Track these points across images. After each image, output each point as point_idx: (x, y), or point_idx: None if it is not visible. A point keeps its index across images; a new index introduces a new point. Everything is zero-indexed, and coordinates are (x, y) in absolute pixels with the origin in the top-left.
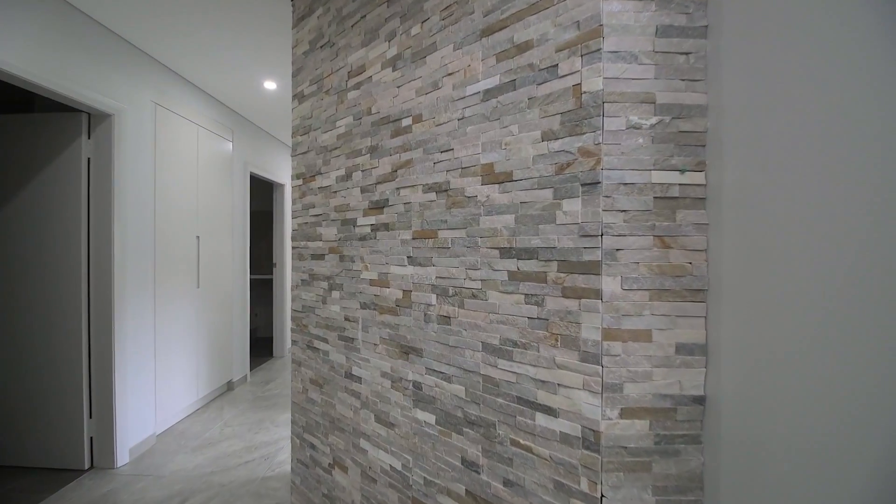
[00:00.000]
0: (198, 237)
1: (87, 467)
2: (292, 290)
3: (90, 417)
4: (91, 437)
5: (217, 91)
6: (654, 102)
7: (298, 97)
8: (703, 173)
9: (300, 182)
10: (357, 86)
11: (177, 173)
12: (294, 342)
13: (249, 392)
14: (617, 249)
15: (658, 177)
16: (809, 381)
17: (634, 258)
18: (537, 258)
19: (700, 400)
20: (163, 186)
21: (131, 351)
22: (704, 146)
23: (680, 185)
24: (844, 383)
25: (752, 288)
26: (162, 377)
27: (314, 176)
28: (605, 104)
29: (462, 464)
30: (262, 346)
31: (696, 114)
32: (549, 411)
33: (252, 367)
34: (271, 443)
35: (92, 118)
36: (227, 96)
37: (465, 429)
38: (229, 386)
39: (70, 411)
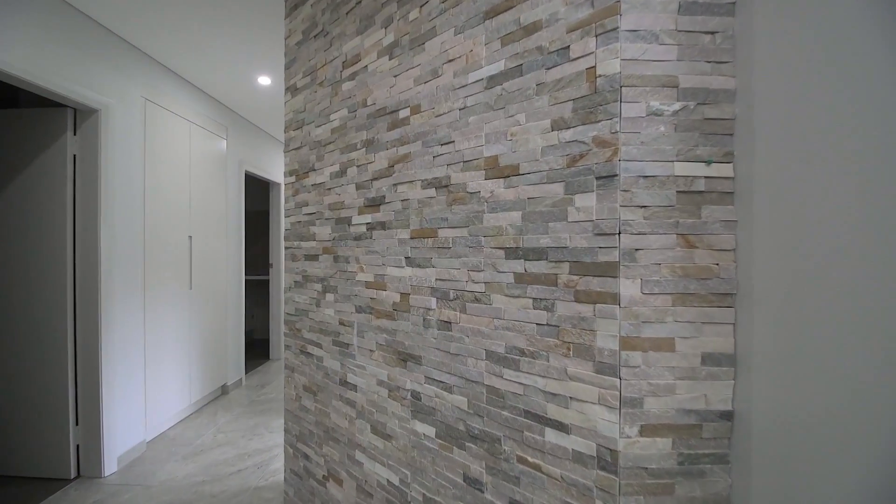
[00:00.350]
0: (190, 237)
1: (73, 476)
2: (285, 292)
3: (76, 425)
4: (77, 445)
5: (210, 87)
6: (677, 86)
7: (291, 90)
8: (730, 165)
9: (293, 179)
10: (352, 76)
11: (168, 171)
12: (287, 347)
13: (244, 396)
14: (636, 249)
15: (681, 169)
16: (852, 395)
17: (655, 259)
18: (547, 259)
19: (728, 415)
20: (153, 185)
21: (120, 355)
22: (732, 135)
23: (706, 177)
24: (893, 399)
25: (789, 292)
26: (152, 382)
27: (307, 172)
28: (623, 88)
29: (464, 481)
30: (258, 348)
31: (723, 99)
32: (561, 427)
33: (248, 370)
34: (265, 450)
35: (78, 113)
36: (221, 92)
37: (467, 443)
38: (224, 390)
39: (55, 418)
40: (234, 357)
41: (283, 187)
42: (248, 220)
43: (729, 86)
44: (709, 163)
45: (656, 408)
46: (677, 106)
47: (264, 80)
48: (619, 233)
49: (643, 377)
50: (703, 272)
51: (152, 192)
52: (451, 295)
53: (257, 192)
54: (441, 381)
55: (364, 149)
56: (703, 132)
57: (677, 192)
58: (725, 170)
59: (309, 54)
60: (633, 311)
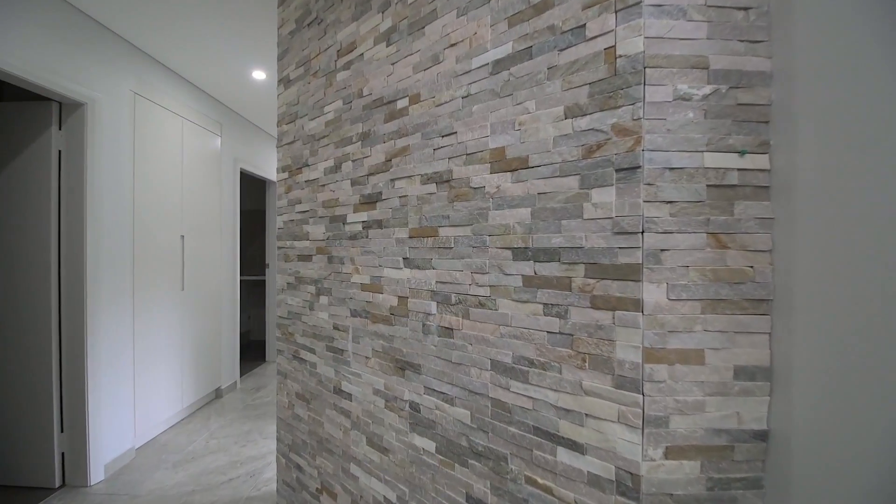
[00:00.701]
0: (182, 237)
1: (57, 486)
2: (277, 294)
3: (61, 432)
4: (62, 453)
5: (203, 81)
6: (708, 68)
7: (284, 82)
8: (766, 156)
9: (286, 175)
10: (347, 65)
11: (159, 168)
12: (280, 351)
13: (239, 400)
14: (661, 250)
15: (712, 160)
16: None
17: (683, 260)
18: (559, 260)
19: (762, 435)
20: (143, 182)
21: (107, 359)
22: (768, 122)
23: (739, 170)
24: None
25: (834, 298)
26: (143, 386)
27: (300, 168)
28: (647, 70)
29: (467, 501)
30: (255, 350)
31: (758, 82)
32: (575, 446)
33: (244, 373)
34: (258, 457)
35: (63, 107)
36: (214, 87)
37: (470, 460)
38: (217, 393)
39: (39, 425)
40: (228, 359)
41: None
42: (244, 219)
43: (764, 67)
44: (742, 153)
45: (683, 427)
46: (707, 90)
47: (259, 75)
48: (643, 231)
49: (669, 393)
50: (737, 276)
51: (142, 190)
52: (453, 299)
53: (254, 190)
54: (442, 393)
55: (360, 142)
56: (736, 119)
57: (707, 185)
58: (761, 161)
59: (302, 43)
60: (658, 319)
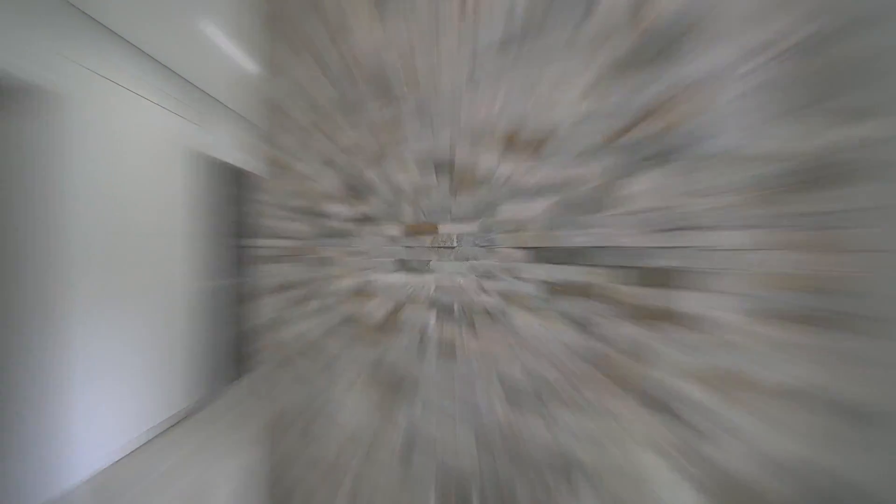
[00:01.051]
0: (144, 235)
1: None
2: (254, 300)
3: None
4: None
5: (175, 62)
6: (769, 25)
7: (266, 64)
8: (859, 127)
9: (266, 167)
10: (335, 41)
11: (124, 159)
12: (256, 366)
13: (210, 419)
14: (713, 250)
15: (779, 137)
16: None
17: (741, 263)
18: (584, 263)
19: (853, 489)
20: (94, 174)
21: (25, 384)
22: (861, 86)
23: (816, 149)
24: None
25: None
26: (84, 412)
27: (282, 158)
28: (692, 32)
29: None
30: (233, 362)
31: (852, 30)
32: (602, 484)
33: (219, 387)
34: (230, 486)
35: (10, 92)
36: (191, 70)
37: (476, 496)
38: (184, 413)
39: None
40: (199, 373)
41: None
42: (222, 217)
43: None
44: (818, 129)
45: (740, 468)
46: (770, 53)
47: (242, 59)
48: (688, 228)
49: (722, 426)
50: (815, 283)
51: (93, 183)
52: (456, 308)
53: (233, 185)
54: (442, 417)
55: (347, 126)
56: (808, 86)
57: (771, 170)
58: (850, 134)
59: (287, 21)
60: (710, 336)
